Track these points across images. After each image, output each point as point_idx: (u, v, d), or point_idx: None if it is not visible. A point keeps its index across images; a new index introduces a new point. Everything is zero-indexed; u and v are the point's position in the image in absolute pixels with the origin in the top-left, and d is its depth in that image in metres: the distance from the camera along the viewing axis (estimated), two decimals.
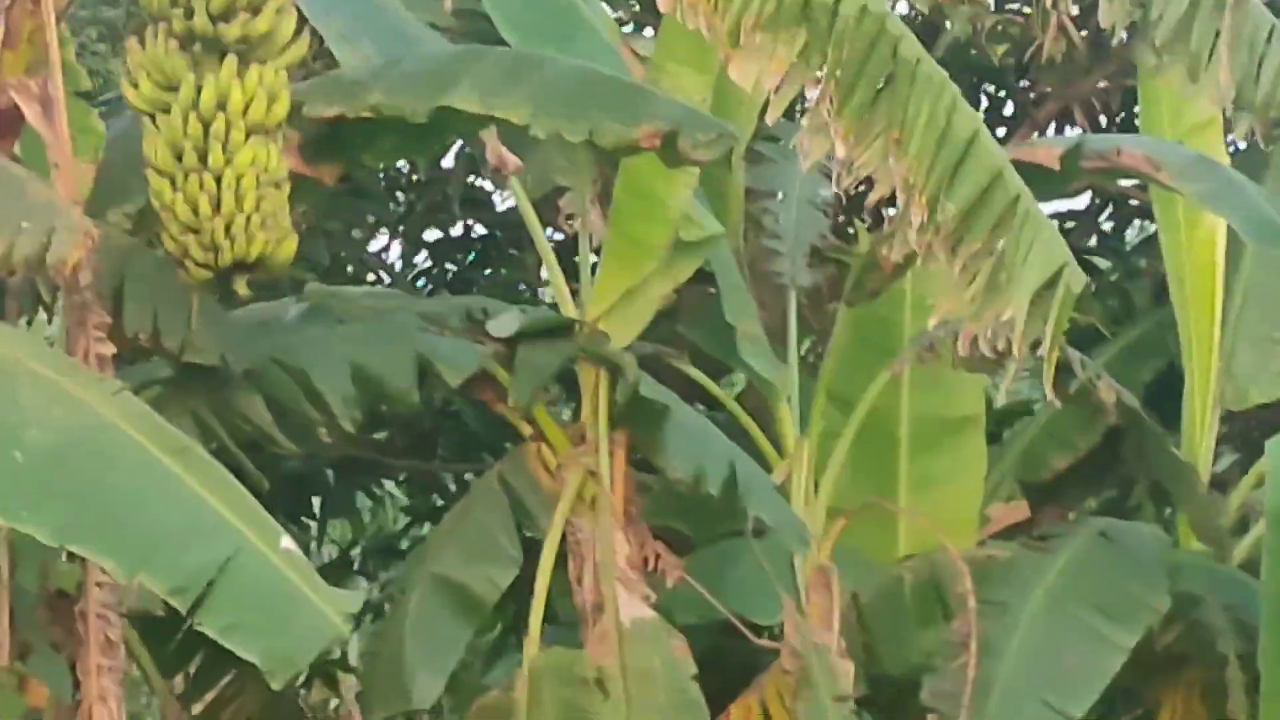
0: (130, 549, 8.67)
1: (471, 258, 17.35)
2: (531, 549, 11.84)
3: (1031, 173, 12.25)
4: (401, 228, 17.18)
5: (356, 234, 17.06)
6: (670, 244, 11.55)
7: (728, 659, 12.39)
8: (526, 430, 11.79)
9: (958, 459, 13.75)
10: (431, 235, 17.32)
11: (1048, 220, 9.62)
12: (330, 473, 16.47)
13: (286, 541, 8.85)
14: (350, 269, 16.73)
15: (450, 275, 17.22)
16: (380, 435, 16.34)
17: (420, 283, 17.23)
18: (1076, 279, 9.54)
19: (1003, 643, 12.21)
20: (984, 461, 13.79)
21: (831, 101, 9.44)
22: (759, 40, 9.48)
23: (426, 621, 11.60)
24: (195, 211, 9.59)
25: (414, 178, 17.02)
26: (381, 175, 16.39)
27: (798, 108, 10.65)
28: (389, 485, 18.27)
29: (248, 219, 9.65)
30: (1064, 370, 12.88)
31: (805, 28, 9.44)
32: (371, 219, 17.12)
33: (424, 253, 17.41)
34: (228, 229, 9.63)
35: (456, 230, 17.27)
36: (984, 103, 16.90)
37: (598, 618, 11.49)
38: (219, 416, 10.97)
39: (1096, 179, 14.21)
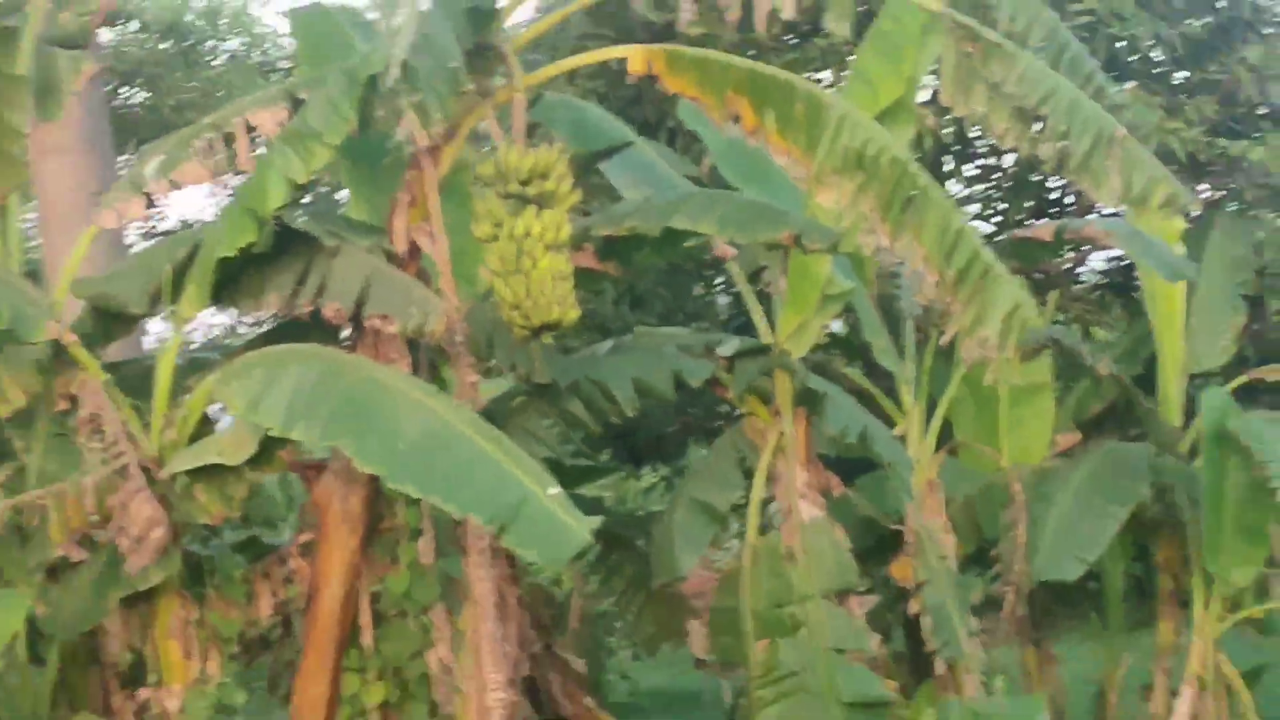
0: (464, 497, 8.69)
1: None
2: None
3: (1034, 245, 12.23)
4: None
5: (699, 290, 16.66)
6: (821, 296, 11.34)
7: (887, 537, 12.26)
8: (745, 410, 11.63)
9: (1036, 408, 13.30)
10: None
11: (1010, 276, 9.40)
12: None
13: (553, 489, 8.73)
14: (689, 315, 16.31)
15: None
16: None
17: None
18: (1029, 310, 9.40)
19: (1045, 519, 12.04)
20: (1052, 409, 13.38)
21: (877, 213, 9.39)
22: (834, 179, 9.45)
23: (686, 525, 11.52)
24: (515, 297, 9.43)
25: None
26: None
27: None
28: None
29: (547, 300, 9.43)
30: (1073, 354, 12.65)
31: (860, 170, 9.37)
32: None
33: None
34: (535, 306, 9.41)
35: None
36: None
37: (789, 518, 11.36)
38: (557, 411, 11.03)
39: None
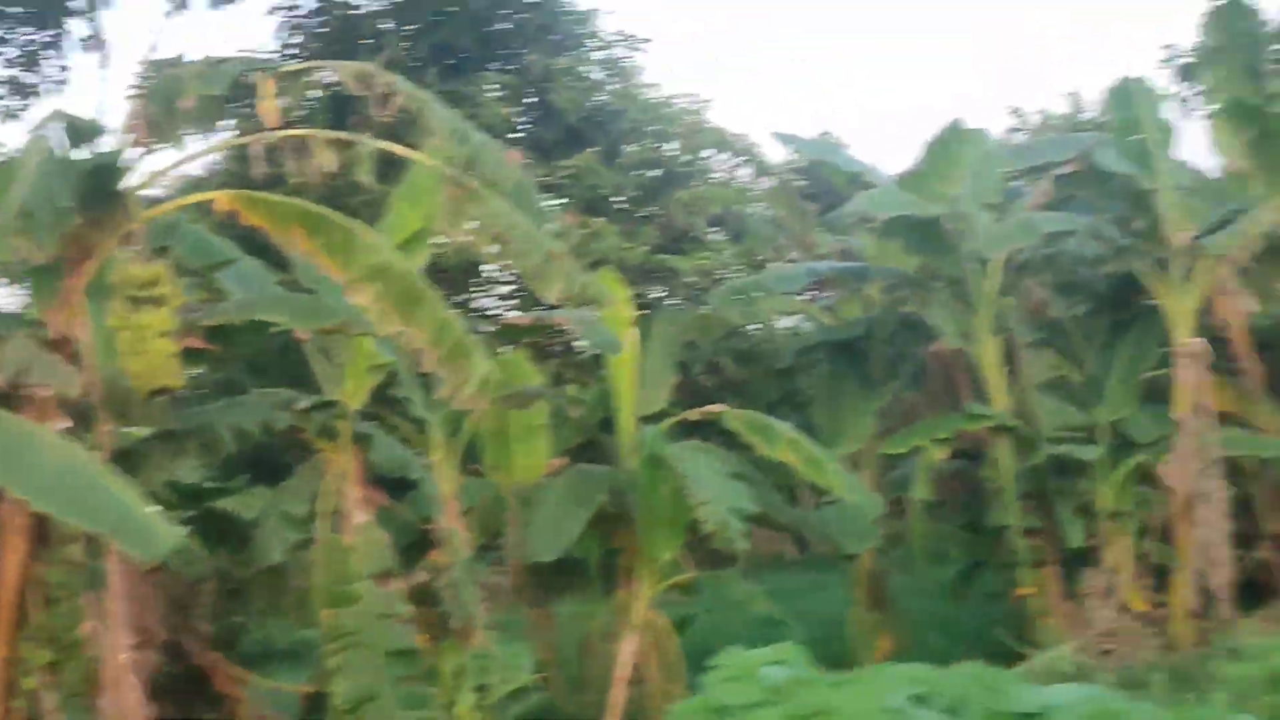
0: (86, 514, 9.17)
1: None
2: None
3: (518, 329, 13.08)
4: None
5: None
6: (369, 366, 11.89)
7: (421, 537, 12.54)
8: (319, 447, 11.98)
9: (535, 442, 13.93)
10: None
11: (481, 348, 10.10)
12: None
13: (150, 509, 9.17)
14: None
15: None
16: None
17: None
18: (496, 377, 10.15)
19: (534, 519, 12.89)
20: (546, 442, 14.00)
21: (391, 309, 9.95)
22: (361, 285, 10.05)
23: (273, 527, 11.86)
24: (136, 369, 9.84)
25: None
26: None
27: None
28: None
29: (158, 372, 9.88)
30: (558, 404, 13.62)
31: (379, 280, 10.00)
32: None
33: None
34: (151, 376, 9.86)
35: None
36: None
37: (347, 522, 11.74)
38: (179, 448, 11.28)
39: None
